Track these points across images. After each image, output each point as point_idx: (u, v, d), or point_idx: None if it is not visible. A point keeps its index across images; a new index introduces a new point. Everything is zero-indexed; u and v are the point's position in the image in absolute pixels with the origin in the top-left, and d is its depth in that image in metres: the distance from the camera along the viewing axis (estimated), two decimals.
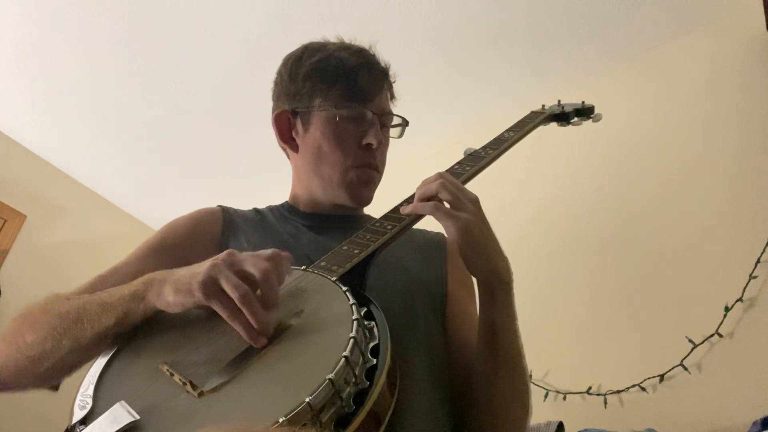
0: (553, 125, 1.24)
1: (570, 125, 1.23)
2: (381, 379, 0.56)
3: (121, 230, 3.37)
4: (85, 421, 0.54)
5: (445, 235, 0.81)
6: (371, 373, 0.56)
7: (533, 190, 2.37)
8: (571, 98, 1.31)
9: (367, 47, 1.03)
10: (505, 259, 0.83)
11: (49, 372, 0.70)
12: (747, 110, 1.97)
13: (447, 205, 0.81)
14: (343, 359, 0.53)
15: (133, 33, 2.31)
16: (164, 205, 3.35)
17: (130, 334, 0.68)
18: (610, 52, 2.34)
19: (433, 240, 1.04)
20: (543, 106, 1.24)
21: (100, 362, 0.64)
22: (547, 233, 2.24)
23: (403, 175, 1.44)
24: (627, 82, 2.33)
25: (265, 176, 2.92)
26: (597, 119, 1.22)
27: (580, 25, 2.23)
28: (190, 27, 2.28)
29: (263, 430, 0.47)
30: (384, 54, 1.04)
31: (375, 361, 0.57)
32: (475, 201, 0.82)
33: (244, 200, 2.06)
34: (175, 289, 0.63)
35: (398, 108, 1.06)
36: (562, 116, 1.22)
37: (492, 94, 2.56)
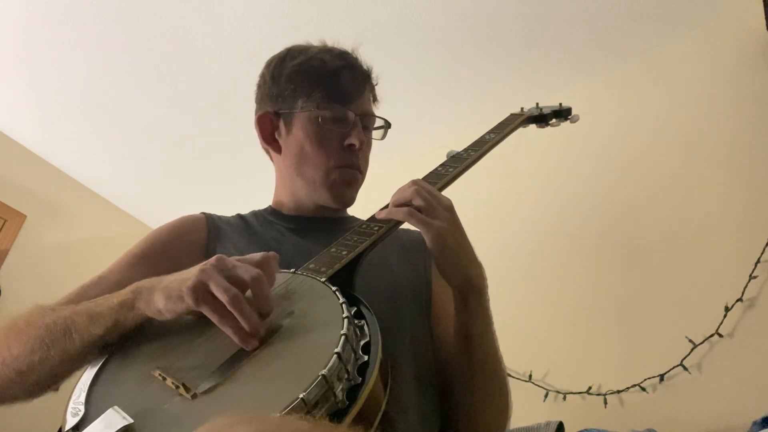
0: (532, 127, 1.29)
1: (548, 126, 1.28)
2: (373, 375, 0.56)
3: (121, 230, 3.37)
4: (78, 427, 0.54)
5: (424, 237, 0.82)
6: (363, 369, 0.57)
7: (533, 189, 2.36)
8: (569, 102, 1.34)
9: (349, 50, 1.04)
10: (478, 266, 0.83)
11: (38, 384, 0.70)
12: (747, 110, 1.96)
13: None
14: (335, 355, 0.54)
15: (132, 33, 2.31)
16: (164, 205, 3.35)
17: (120, 342, 0.68)
18: (608, 53, 2.33)
19: (417, 239, 1.04)
20: (522, 108, 1.28)
21: (91, 370, 0.64)
22: (546, 232, 2.24)
23: (387, 177, 1.44)
24: (626, 83, 2.33)
25: (265, 176, 2.91)
26: (574, 120, 1.28)
27: (578, 28, 2.22)
28: (191, 27, 2.28)
29: (273, 418, 0.47)
30: (379, 57, 1.05)
31: (366, 357, 0.58)
32: (448, 207, 0.82)
33: (245, 200, 2.07)
34: (165, 296, 0.63)
35: (385, 110, 1.07)
36: (540, 118, 1.26)
37: (482, 98, 2.55)
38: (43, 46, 2.38)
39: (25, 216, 2.93)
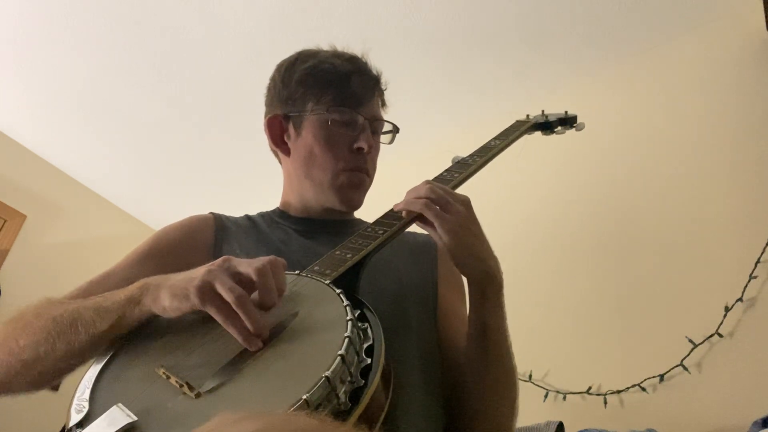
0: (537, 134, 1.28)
1: (554, 134, 1.29)
2: (376, 378, 0.57)
3: (121, 230, 3.38)
4: (81, 424, 0.54)
5: (434, 238, 0.83)
6: (366, 372, 0.57)
7: (533, 190, 2.37)
8: (569, 102, 1.35)
9: (359, 55, 1.05)
10: (495, 260, 0.83)
11: (42, 376, 0.71)
12: (747, 110, 1.97)
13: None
14: (338, 358, 0.54)
15: (132, 33, 2.31)
16: (164, 205, 3.35)
17: (125, 338, 0.68)
18: (609, 53, 2.34)
19: (423, 242, 1.05)
20: (528, 115, 1.28)
21: (95, 367, 0.64)
22: (547, 233, 2.24)
23: (393, 181, 1.45)
24: (626, 83, 2.33)
25: (265, 176, 2.91)
26: (580, 128, 1.28)
27: (578, 27, 2.22)
28: (190, 27, 2.28)
29: (281, 414, 0.47)
30: (379, 59, 1.06)
31: (369, 360, 0.58)
32: (464, 202, 0.82)
33: (245, 200, 2.06)
34: (171, 294, 0.64)
35: (390, 115, 1.08)
36: (545, 125, 1.27)
37: (483, 98, 2.56)
38: (43, 46, 2.38)
39: (25, 216, 2.93)
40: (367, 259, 0.79)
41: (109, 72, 2.49)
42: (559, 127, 1.27)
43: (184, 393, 0.56)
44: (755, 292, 1.71)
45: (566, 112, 1.28)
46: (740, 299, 1.71)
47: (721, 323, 1.71)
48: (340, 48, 1.07)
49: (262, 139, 1.08)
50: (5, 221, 2.86)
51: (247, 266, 0.63)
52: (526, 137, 1.21)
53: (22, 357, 0.69)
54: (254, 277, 0.63)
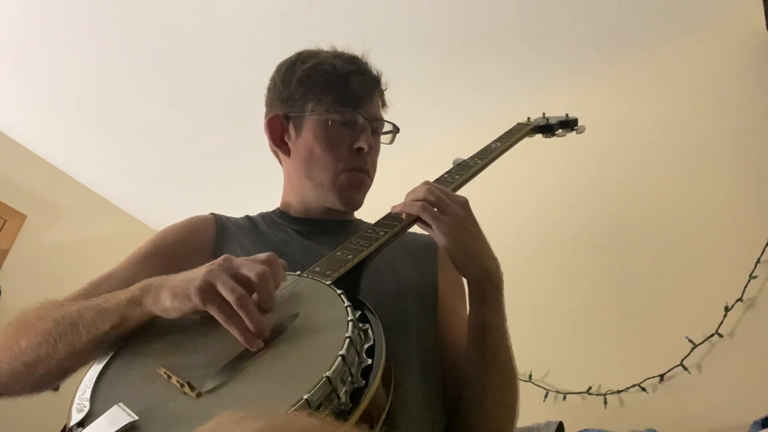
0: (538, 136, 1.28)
1: (555, 137, 1.28)
2: (377, 378, 0.57)
3: (121, 230, 3.38)
4: (82, 423, 0.54)
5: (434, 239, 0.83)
6: (367, 372, 0.57)
7: (534, 190, 2.37)
8: (569, 102, 1.34)
9: (359, 55, 1.05)
10: (495, 260, 0.83)
11: (44, 377, 0.71)
12: (747, 110, 1.97)
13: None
14: (339, 358, 0.54)
15: (132, 33, 2.31)
16: (164, 205, 3.35)
17: (126, 339, 0.68)
18: (609, 53, 2.34)
19: (424, 243, 1.05)
20: (528, 118, 1.29)
21: (96, 367, 0.64)
22: (547, 233, 2.24)
23: (393, 181, 1.45)
24: (626, 84, 2.33)
25: (265, 176, 2.92)
26: (581, 131, 1.28)
27: (579, 28, 2.23)
28: (190, 27, 2.28)
29: (282, 414, 0.47)
30: (379, 59, 1.06)
31: (370, 361, 0.58)
32: (463, 203, 0.83)
33: (245, 200, 2.06)
34: (172, 295, 0.64)
35: (390, 115, 1.08)
36: (546, 128, 1.26)
37: (484, 98, 2.56)
38: (43, 46, 2.38)
39: (25, 216, 2.93)
40: (368, 260, 0.79)
41: (109, 72, 2.49)
42: (560, 130, 1.27)
43: (185, 393, 0.56)
44: (755, 292, 1.71)
45: (567, 114, 1.28)
46: (740, 299, 1.71)
47: (721, 323, 1.71)
48: (340, 48, 1.07)
49: (262, 139, 1.08)
50: (5, 221, 2.86)
51: (248, 269, 0.63)
52: (527, 139, 1.21)
53: (23, 359, 0.70)
54: (254, 279, 0.63)
